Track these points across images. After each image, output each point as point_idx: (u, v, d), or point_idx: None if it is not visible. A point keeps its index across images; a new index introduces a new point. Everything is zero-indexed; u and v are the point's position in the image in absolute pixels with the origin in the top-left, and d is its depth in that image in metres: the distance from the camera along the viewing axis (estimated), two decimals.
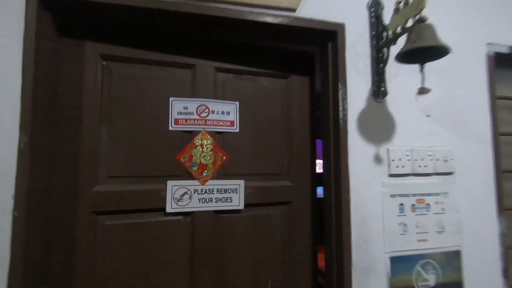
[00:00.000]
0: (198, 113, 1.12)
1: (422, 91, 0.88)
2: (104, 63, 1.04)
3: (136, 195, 1.03)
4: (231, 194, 1.14)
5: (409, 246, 1.14)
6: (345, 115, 1.10)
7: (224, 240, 1.14)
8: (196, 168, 1.11)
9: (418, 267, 1.14)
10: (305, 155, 1.27)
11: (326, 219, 1.16)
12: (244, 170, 1.18)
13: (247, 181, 1.17)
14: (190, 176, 1.10)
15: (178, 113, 1.10)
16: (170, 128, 1.09)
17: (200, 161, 1.12)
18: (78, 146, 0.99)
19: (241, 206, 1.15)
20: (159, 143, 1.08)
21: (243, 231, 1.16)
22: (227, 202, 1.13)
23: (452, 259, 1.18)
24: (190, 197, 1.09)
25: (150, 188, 1.05)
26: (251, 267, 1.16)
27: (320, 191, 1.38)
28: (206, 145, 1.13)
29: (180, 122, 1.10)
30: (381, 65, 1.13)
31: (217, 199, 1.12)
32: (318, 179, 1.30)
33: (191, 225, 1.10)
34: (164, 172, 1.07)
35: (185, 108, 1.11)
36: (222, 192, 1.13)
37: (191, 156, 1.11)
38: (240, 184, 1.15)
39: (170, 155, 1.08)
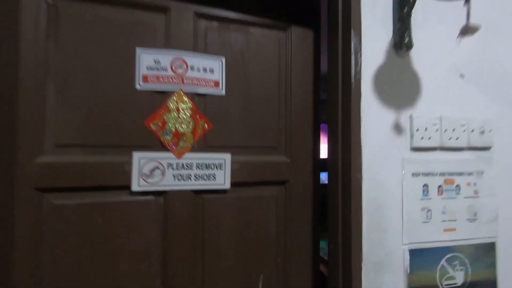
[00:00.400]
0: (173, 68, 0.90)
1: (467, 30, 0.64)
2: (49, 0, 0.81)
3: (93, 168, 0.82)
4: (215, 171, 0.93)
5: (433, 236, 0.92)
6: (358, 72, 0.87)
7: (205, 226, 0.93)
8: (170, 138, 0.89)
9: (443, 262, 0.92)
10: (306, 126, 1.05)
11: (331, 202, 0.94)
12: (231, 141, 0.96)
13: (235, 155, 0.95)
14: (162, 147, 0.89)
15: (147, 68, 0.88)
16: (137, 86, 0.87)
17: (176, 128, 0.90)
18: (16, 106, 0.77)
19: (227, 185, 0.94)
20: (123, 105, 0.86)
21: (229, 216, 0.96)
22: (209, 180, 0.92)
23: (485, 253, 0.96)
24: (163, 173, 0.88)
25: (111, 161, 0.84)
26: (239, 258, 0.96)
27: (324, 177, 1.17)
28: (183, 109, 0.91)
29: (150, 79, 0.88)
30: (405, 9, 0.88)
31: (197, 176, 0.91)
32: (322, 165, 1.08)
33: (164, 207, 0.89)
34: (129, 141, 0.86)
35: (157, 62, 0.89)
36: (203, 167, 0.92)
37: (164, 122, 0.89)
38: (225, 158, 0.94)
39: (137, 120, 0.87)
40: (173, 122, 0.89)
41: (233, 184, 0.95)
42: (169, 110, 0.89)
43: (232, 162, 0.95)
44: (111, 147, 0.85)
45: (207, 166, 0.92)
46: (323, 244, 1.09)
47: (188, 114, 0.91)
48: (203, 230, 0.93)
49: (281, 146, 1.02)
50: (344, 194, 0.88)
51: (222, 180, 0.94)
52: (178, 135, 0.90)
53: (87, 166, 0.82)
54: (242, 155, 0.97)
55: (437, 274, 0.92)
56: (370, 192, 0.87)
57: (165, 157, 0.88)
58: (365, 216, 0.86)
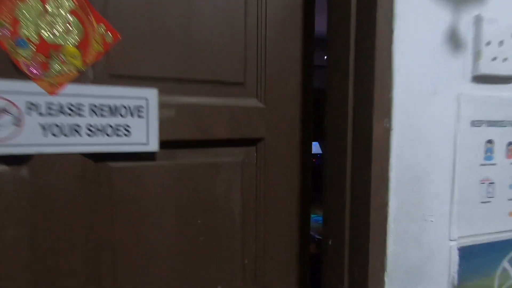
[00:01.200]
0: None
1: None
2: None
3: None
4: (128, 119, 0.52)
5: (494, 224, 0.57)
6: None
7: (115, 217, 0.53)
8: (29, 53, 0.46)
9: (504, 264, 0.59)
10: (291, 48, 0.64)
11: (332, 171, 0.56)
12: (158, 68, 0.54)
13: (166, 93, 0.54)
14: (16, 72, 0.46)
15: None
16: None
17: (41, 35, 0.46)
18: None
19: (153, 146, 0.53)
20: None
21: (159, 197, 0.56)
22: (117, 135, 0.51)
23: None
24: (18, 121, 0.46)
25: None
26: (180, 266, 0.58)
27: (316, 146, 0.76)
28: None
29: None
30: None
31: (94, 129, 0.50)
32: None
33: (30, 185, 0.48)
34: None
35: None
36: (104, 113, 0.50)
37: (14, 22, 0.45)
38: (148, 97, 0.52)
39: None
40: (34, 21, 0.46)
41: (165, 143, 0.54)
42: None
43: (162, 105, 0.53)
44: None
45: (113, 111, 0.51)
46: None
47: (67, 8, 0.47)
48: (111, 224, 0.53)
49: (251, 82, 0.62)
50: (357, 158, 0.50)
51: (143, 136, 0.53)
52: (46, 49, 0.46)
53: None
54: (181, 94, 0.55)
55: (496, 282, 0.58)
56: (404, 155, 0.49)
57: (21, 90, 0.46)
58: (394, 196, 0.49)
